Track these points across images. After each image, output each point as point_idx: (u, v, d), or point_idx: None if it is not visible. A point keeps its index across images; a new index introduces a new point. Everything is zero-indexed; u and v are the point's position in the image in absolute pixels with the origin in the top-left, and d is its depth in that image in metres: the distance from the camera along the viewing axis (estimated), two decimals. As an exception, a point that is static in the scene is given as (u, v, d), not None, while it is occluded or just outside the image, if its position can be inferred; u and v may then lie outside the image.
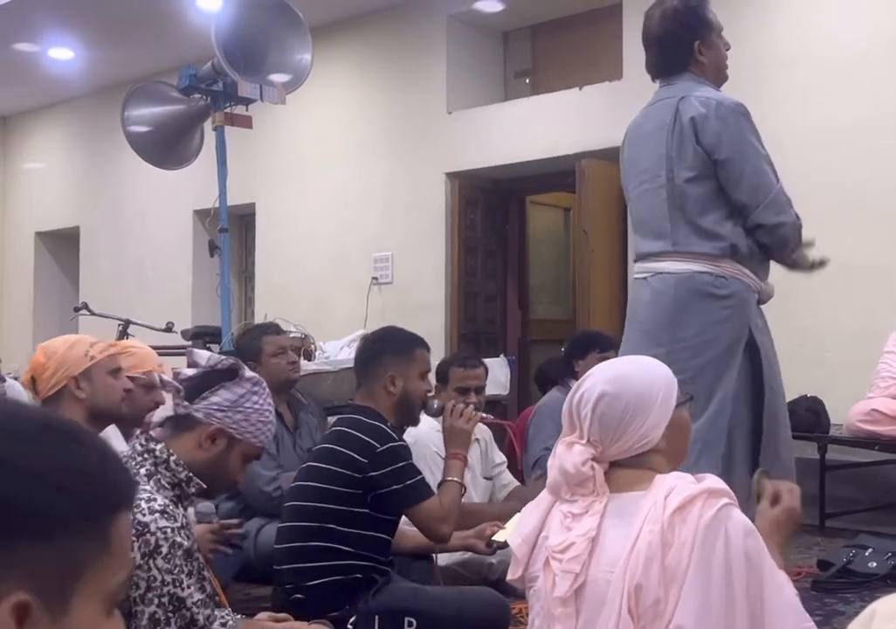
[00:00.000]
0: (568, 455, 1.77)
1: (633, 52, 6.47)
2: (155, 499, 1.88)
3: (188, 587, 1.85)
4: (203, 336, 5.69)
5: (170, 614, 1.82)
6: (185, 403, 2.05)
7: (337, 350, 4.87)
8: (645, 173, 2.90)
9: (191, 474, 1.98)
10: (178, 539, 1.85)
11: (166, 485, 1.96)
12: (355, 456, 2.72)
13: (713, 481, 1.70)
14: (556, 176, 6.98)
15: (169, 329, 6.05)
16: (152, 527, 1.83)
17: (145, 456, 1.98)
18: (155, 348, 6.58)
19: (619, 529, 1.70)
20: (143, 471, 1.95)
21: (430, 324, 7.11)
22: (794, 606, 1.66)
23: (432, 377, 3.50)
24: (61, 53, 8.66)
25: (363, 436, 2.77)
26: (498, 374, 4.77)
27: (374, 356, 2.99)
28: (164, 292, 8.96)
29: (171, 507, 1.89)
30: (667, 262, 2.85)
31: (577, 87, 6.77)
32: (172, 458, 1.98)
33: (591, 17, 7.13)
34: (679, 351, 2.79)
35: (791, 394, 5.07)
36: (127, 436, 2.79)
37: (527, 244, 7.76)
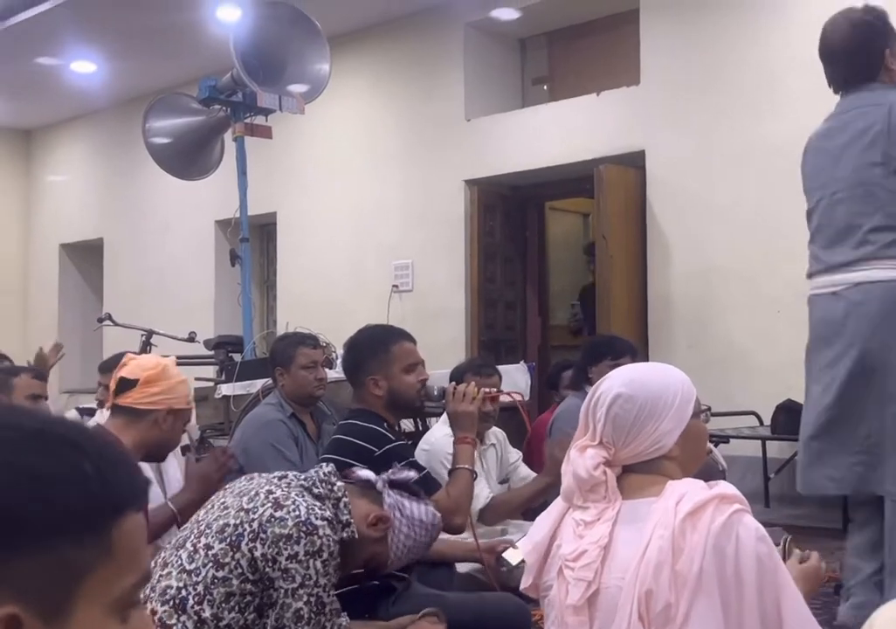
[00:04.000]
0: (580, 459, 1.78)
1: (651, 57, 6.49)
2: (324, 509, 2.04)
3: (331, 595, 2.00)
4: (225, 345, 5.74)
5: (312, 615, 1.96)
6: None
7: (357, 358, 4.88)
8: (841, 181, 2.84)
9: (351, 520, 2.10)
10: (335, 551, 2.00)
11: (327, 517, 2.05)
12: (355, 464, 2.68)
13: (725, 487, 1.70)
14: (575, 181, 6.98)
15: (192, 339, 6.10)
16: (321, 531, 1.98)
17: (322, 485, 2.12)
18: (179, 358, 6.62)
19: (630, 535, 1.71)
20: (315, 491, 2.10)
21: (451, 331, 7.14)
22: (807, 614, 1.65)
23: (444, 379, 3.48)
24: (83, 67, 8.76)
25: (359, 442, 2.77)
26: (518, 380, 4.77)
27: (353, 363, 2.98)
28: (187, 302, 9.02)
29: (334, 522, 2.04)
30: (868, 270, 2.79)
31: (595, 93, 6.78)
32: (345, 500, 2.11)
33: (608, 22, 7.14)
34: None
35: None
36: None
37: (546, 250, 7.76)
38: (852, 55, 2.89)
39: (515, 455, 3.99)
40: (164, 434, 2.58)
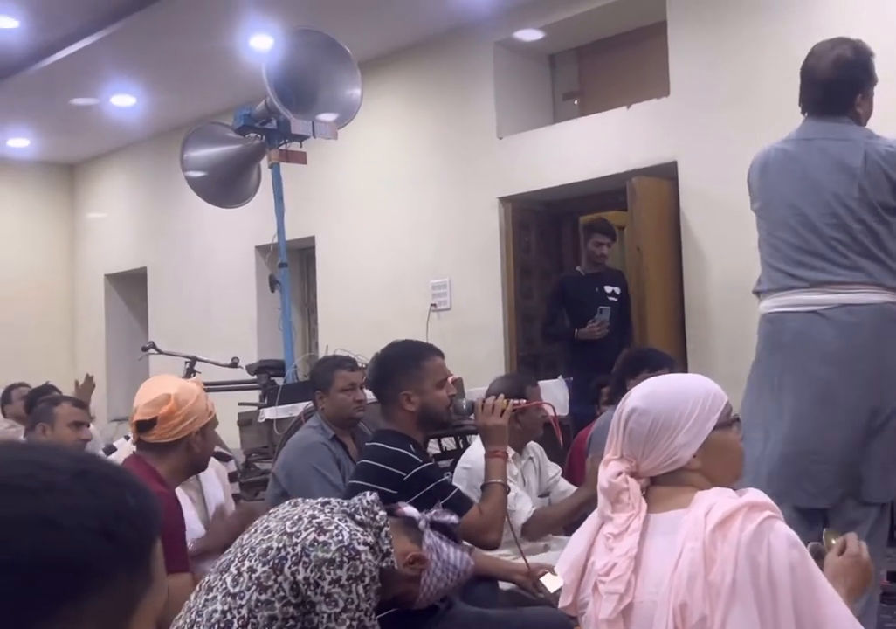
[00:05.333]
0: (603, 473, 1.81)
1: (680, 68, 6.51)
2: (367, 534, 2.07)
3: (372, 620, 2.02)
4: (267, 370, 5.81)
5: None
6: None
7: (397, 378, 4.93)
8: (819, 206, 2.89)
9: (391, 550, 2.12)
10: (377, 576, 2.03)
11: (369, 542, 2.09)
12: (384, 489, 2.68)
13: (754, 495, 1.70)
14: (608, 195, 7.00)
15: (234, 364, 6.19)
16: (363, 556, 2.01)
17: (364, 512, 2.16)
18: (222, 383, 6.72)
19: (661, 548, 1.71)
20: (358, 517, 2.13)
21: (489, 347, 7.17)
22: (848, 618, 1.63)
23: (481, 390, 3.45)
24: (123, 100, 8.94)
25: (387, 467, 2.75)
26: (556, 395, 4.80)
27: (383, 378, 2.96)
28: (230, 328, 9.14)
29: (375, 549, 2.07)
30: (858, 293, 2.83)
31: (625, 106, 6.81)
32: (386, 530, 2.14)
33: (636, 35, 7.17)
34: (888, 382, 2.80)
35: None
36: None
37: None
38: (828, 89, 2.98)
39: (554, 469, 3.99)
40: (200, 452, 2.58)
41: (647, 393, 1.82)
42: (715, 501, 1.68)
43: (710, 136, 6.31)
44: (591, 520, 1.88)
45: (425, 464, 2.81)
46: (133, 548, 0.78)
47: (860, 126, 3.01)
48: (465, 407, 2.98)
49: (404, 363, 2.94)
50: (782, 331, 2.92)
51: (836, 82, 2.98)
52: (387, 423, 2.96)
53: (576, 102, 7.75)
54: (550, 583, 3.05)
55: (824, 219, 2.89)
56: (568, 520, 3.53)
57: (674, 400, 1.79)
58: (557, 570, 1.89)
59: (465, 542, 2.76)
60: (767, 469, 2.87)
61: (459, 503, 2.76)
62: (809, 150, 2.97)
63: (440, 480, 2.81)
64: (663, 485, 1.80)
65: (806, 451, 2.84)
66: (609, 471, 1.79)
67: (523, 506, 3.49)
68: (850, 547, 1.87)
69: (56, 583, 0.72)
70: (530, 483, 3.80)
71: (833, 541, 1.91)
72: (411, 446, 2.84)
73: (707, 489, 1.75)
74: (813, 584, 1.62)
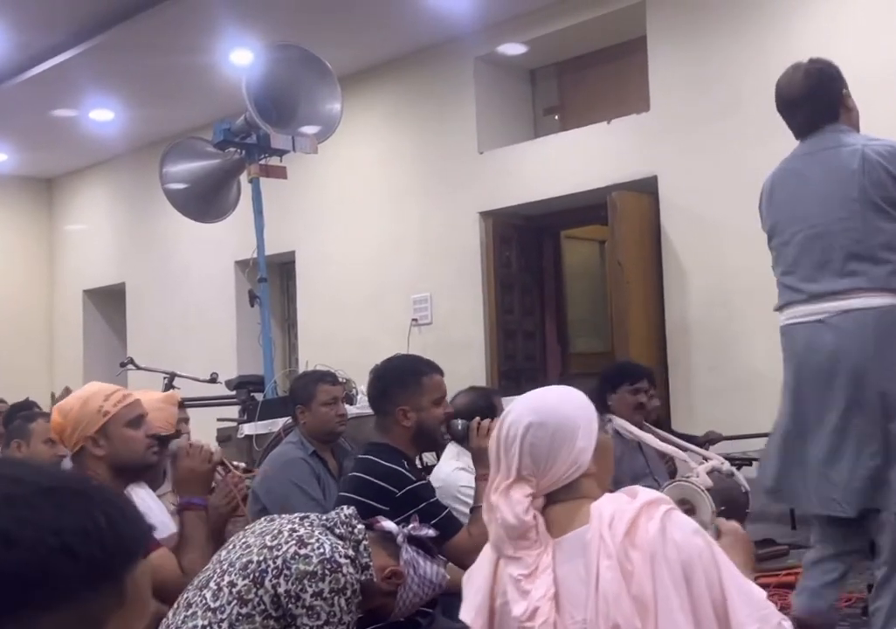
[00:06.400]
0: (507, 505, 1.75)
1: (660, 84, 6.54)
2: (347, 547, 2.06)
3: None
4: (246, 385, 5.77)
5: None
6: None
7: (378, 393, 4.90)
8: (818, 216, 2.95)
9: (370, 563, 2.10)
10: (358, 589, 2.02)
11: (350, 555, 2.07)
12: (376, 505, 2.66)
13: (645, 493, 1.71)
14: (589, 209, 7.02)
15: (213, 380, 6.14)
16: (345, 569, 1.99)
17: (343, 526, 2.15)
18: (201, 399, 6.66)
19: (575, 575, 1.69)
20: (337, 531, 2.12)
21: (471, 362, 7.16)
22: (754, 593, 1.67)
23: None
24: (102, 115, 8.91)
25: (380, 483, 2.73)
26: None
27: (381, 392, 2.92)
28: (210, 343, 9.10)
29: (356, 562, 2.06)
30: (860, 298, 2.86)
31: (606, 121, 6.83)
32: (365, 543, 2.12)
33: (617, 51, 7.21)
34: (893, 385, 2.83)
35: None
36: (151, 483, 2.79)
37: (563, 279, 7.79)
38: (813, 98, 3.03)
39: None
40: (110, 454, 2.42)
41: (537, 406, 1.81)
42: (613, 510, 1.68)
43: (689, 151, 6.34)
44: (485, 558, 1.84)
45: (418, 483, 2.78)
46: (99, 566, 0.76)
47: (855, 130, 3.06)
48: (460, 428, 2.95)
49: (403, 378, 2.91)
50: (794, 341, 3.01)
51: (816, 90, 3.03)
52: (381, 437, 2.92)
53: (556, 117, 7.77)
54: None
55: (829, 226, 2.93)
56: None
57: (564, 408, 1.81)
58: (463, 618, 1.84)
59: (444, 558, 2.75)
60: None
61: (449, 524, 2.74)
62: (811, 164, 3.03)
63: (432, 500, 2.77)
64: (559, 501, 1.78)
65: (816, 461, 2.89)
66: (517, 506, 1.74)
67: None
68: (725, 529, 1.93)
69: (6, 595, 0.72)
70: None
71: (720, 527, 1.98)
72: (405, 463, 2.81)
73: (598, 496, 1.76)
74: (717, 564, 1.65)
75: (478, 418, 2.99)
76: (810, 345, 2.94)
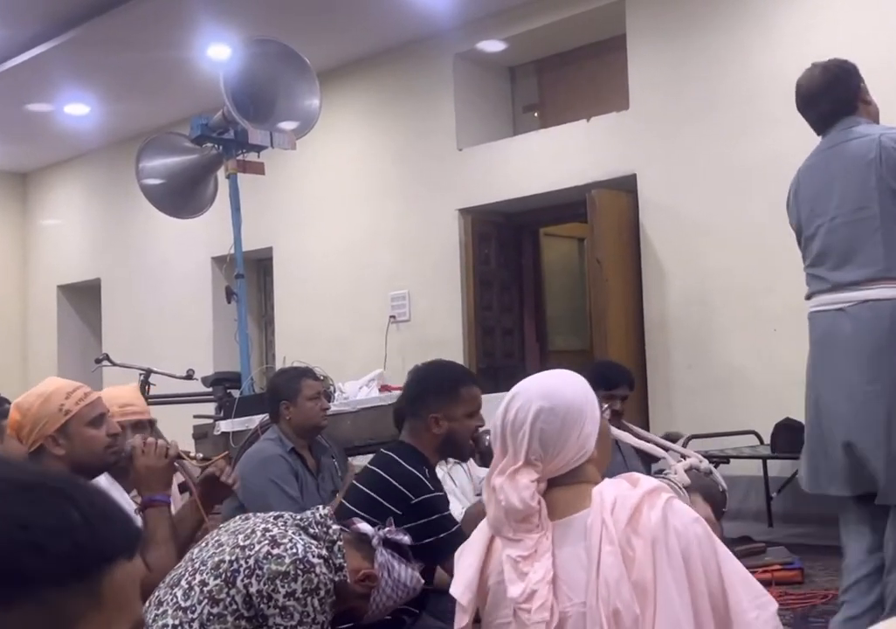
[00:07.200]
0: (513, 490, 1.74)
1: (639, 82, 6.55)
2: (321, 547, 2.04)
3: None
4: (223, 382, 5.73)
5: None
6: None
7: (356, 390, 4.88)
8: (838, 208, 3.01)
9: (344, 564, 2.09)
10: (331, 589, 2.01)
11: (323, 555, 2.06)
12: (387, 505, 2.64)
13: (647, 481, 1.73)
14: (568, 207, 7.02)
15: (190, 376, 6.11)
16: (318, 569, 1.98)
17: (317, 526, 2.13)
18: (177, 395, 6.61)
19: (574, 558, 1.70)
20: (311, 531, 2.10)
21: (449, 359, 7.13)
22: (752, 581, 1.70)
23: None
24: (77, 109, 8.83)
25: (397, 485, 2.69)
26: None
27: (417, 396, 2.87)
28: (186, 340, 9.04)
29: (329, 562, 2.05)
30: (877, 288, 2.92)
31: (585, 119, 6.83)
32: (339, 544, 2.11)
33: (596, 49, 7.21)
34: None
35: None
36: (122, 481, 2.73)
37: (542, 276, 7.79)
38: (830, 92, 3.11)
39: (485, 470, 4.02)
40: (69, 454, 2.38)
41: (545, 391, 1.80)
42: (615, 496, 1.69)
43: (669, 149, 6.35)
44: (479, 535, 1.85)
45: (436, 493, 2.74)
46: (69, 564, 0.75)
47: (875, 122, 3.12)
48: (488, 444, 2.81)
49: (441, 385, 2.85)
50: (815, 329, 3.07)
51: (833, 84, 3.11)
52: (408, 438, 2.87)
53: (536, 115, 7.77)
54: None
55: (849, 216, 2.99)
56: None
57: (572, 393, 1.81)
58: (453, 592, 1.83)
59: (421, 563, 2.74)
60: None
61: (457, 540, 2.72)
62: (831, 158, 3.08)
63: (445, 513, 2.74)
64: (562, 485, 1.79)
65: (833, 444, 2.95)
66: (522, 491, 1.73)
67: (451, 508, 3.49)
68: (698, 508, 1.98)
69: None
70: (462, 484, 3.83)
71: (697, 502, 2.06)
72: (426, 470, 2.77)
73: (598, 481, 1.77)
74: (716, 553, 1.68)
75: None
76: (829, 332, 3.01)
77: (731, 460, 5.16)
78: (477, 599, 1.81)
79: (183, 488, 2.97)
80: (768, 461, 5.32)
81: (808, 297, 3.13)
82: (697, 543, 1.66)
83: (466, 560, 1.84)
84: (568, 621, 1.68)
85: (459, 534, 2.73)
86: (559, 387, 1.81)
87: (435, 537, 2.63)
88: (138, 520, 2.74)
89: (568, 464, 1.77)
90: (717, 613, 1.65)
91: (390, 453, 2.82)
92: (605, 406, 1.89)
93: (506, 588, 1.73)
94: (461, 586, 1.81)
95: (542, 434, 1.75)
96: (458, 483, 3.80)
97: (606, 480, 1.76)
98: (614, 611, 1.62)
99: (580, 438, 1.77)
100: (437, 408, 2.81)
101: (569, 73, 7.47)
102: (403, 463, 2.75)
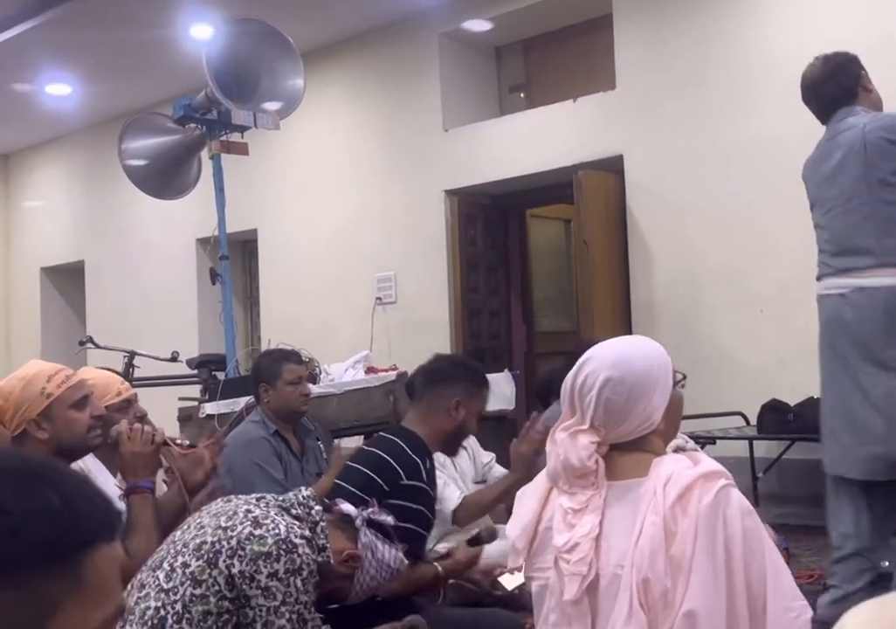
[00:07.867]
0: (573, 447, 1.76)
1: (626, 62, 6.50)
2: (303, 528, 2.04)
3: (312, 612, 2.00)
4: (208, 364, 5.70)
5: None
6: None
7: (341, 372, 4.86)
8: (836, 198, 3.12)
9: (327, 545, 2.09)
10: (314, 569, 2.00)
11: (306, 536, 2.05)
12: (377, 480, 2.69)
13: (709, 463, 1.72)
14: (555, 188, 6.99)
15: (174, 358, 6.07)
16: (300, 550, 1.98)
17: (300, 507, 2.13)
18: (162, 378, 6.57)
19: (621, 521, 1.72)
20: (293, 512, 2.10)
21: (435, 341, 7.11)
22: (791, 585, 1.69)
23: None
24: (58, 89, 8.73)
25: (394, 464, 2.72)
26: (503, 389, 4.76)
27: (448, 377, 2.94)
28: (171, 322, 8.99)
29: (312, 543, 2.04)
30: (871, 277, 3.01)
31: (572, 99, 6.79)
32: (322, 524, 2.11)
33: (583, 28, 7.16)
34: None
35: (799, 396, 5.07)
36: (109, 464, 2.73)
37: (528, 257, 7.76)
38: (831, 80, 3.21)
39: (488, 456, 4.10)
40: (53, 437, 2.37)
41: (617, 360, 1.79)
42: (672, 471, 1.69)
43: (655, 130, 6.32)
44: (540, 481, 1.86)
45: (426, 486, 2.78)
46: (49, 548, 0.75)
47: (876, 109, 3.20)
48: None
49: (473, 379, 2.97)
50: (822, 311, 3.18)
51: (834, 72, 3.21)
52: (414, 423, 2.89)
53: (522, 95, 7.72)
54: (508, 581, 3.09)
55: (844, 206, 3.08)
56: (497, 504, 3.55)
57: (644, 364, 1.79)
58: (509, 533, 1.87)
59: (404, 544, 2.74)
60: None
61: (417, 538, 2.72)
62: (829, 148, 3.18)
63: (424, 509, 2.77)
64: (624, 451, 1.79)
65: (833, 425, 3.06)
66: (582, 451, 1.75)
67: (451, 493, 3.53)
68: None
69: None
70: (464, 470, 3.86)
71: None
72: (427, 462, 2.81)
73: (661, 452, 1.78)
74: (762, 548, 1.67)
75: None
76: (832, 317, 3.11)
77: (718, 441, 5.16)
78: (529, 544, 1.84)
79: (168, 471, 2.95)
80: (754, 442, 5.33)
81: (818, 279, 3.23)
82: (744, 535, 1.64)
83: (526, 504, 1.86)
84: (602, 580, 1.71)
85: (423, 538, 2.75)
86: (631, 357, 1.80)
87: (406, 524, 2.63)
88: (121, 505, 2.74)
89: (631, 434, 1.78)
90: (752, 608, 1.64)
91: (395, 438, 2.84)
92: (681, 377, 1.88)
93: (552, 535, 1.76)
94: (518, 529, 1.84)
95: (607, 403, 1.76)
96: (459, 468, 3.81)
97: (669, 455, 1.77)
98: (644, 579, 1.64)
99: (646, 410, 1.77)
100: (463, 396, 2.87)
101: (555, 53, 7.42)
102: (407, 449, 2.78)
